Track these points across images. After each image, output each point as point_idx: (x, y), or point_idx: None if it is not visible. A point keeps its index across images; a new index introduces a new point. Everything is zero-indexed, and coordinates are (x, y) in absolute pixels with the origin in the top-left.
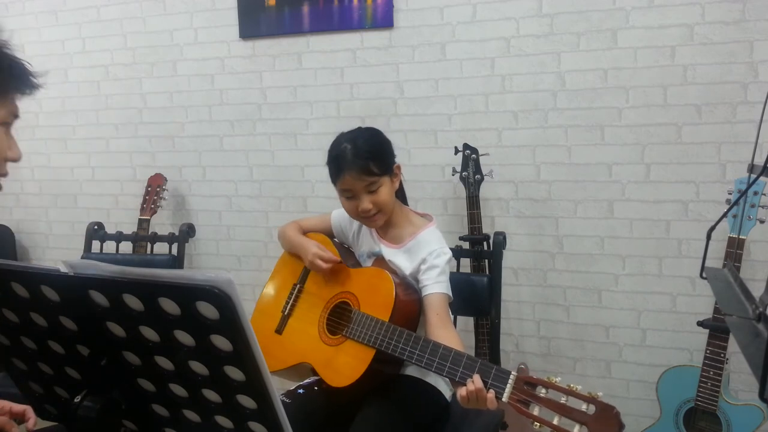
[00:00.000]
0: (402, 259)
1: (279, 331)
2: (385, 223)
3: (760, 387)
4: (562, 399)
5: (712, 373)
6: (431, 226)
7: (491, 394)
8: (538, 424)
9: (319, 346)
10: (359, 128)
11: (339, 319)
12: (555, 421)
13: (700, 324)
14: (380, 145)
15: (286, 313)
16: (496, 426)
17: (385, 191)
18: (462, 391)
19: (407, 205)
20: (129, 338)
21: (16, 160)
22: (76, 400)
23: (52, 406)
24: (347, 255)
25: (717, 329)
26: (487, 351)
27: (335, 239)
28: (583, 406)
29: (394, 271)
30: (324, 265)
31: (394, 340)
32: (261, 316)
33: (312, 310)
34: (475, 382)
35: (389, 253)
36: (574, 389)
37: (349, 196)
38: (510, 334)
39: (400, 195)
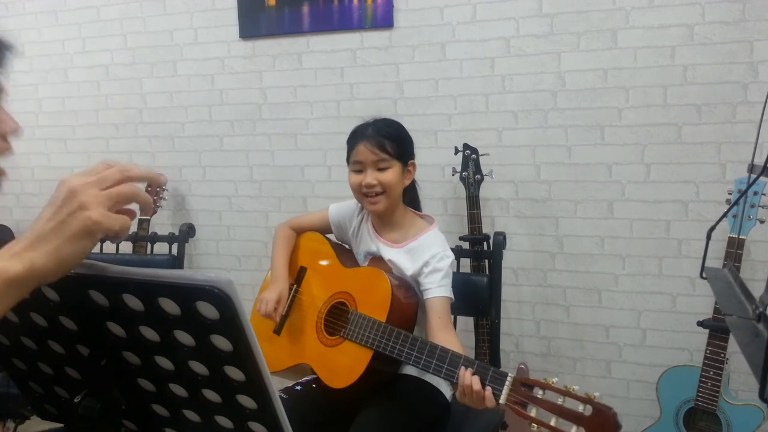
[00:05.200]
0: (403, 259)
1: (277, 332)
2: (386, 222)
3: (760, 387)
4: (559, 400)
5: (712, 373)
6: (433, 229)
7: (489, 391)
8: (536, 425)
9: (317, 347)
10: (386, 118)
11: (336, 319)
12: (552, 422)
13: (700, 324)
14: (401, 132)
15: (283, 314)
16: (496, 425)
17: (393, 175)
18: (458, 386)
19: (420, 209)
20: (129, 338)
21: (14, 132)
22: (76, 400)
23: (52, 406)
24: (345, 254)
25: (717, 329)
26: (487, 351)
27: (332, 237)
28: (580, 407)
29: (391, 271)
30: (263, 311)
31: (391, 342)
32: (259, 316)
33: (309, 310)
34: (474, 382)
35: (389, 252)
36: (571, 390)
37: (358, 169)
38: (510, 334)
39: (412, 198)
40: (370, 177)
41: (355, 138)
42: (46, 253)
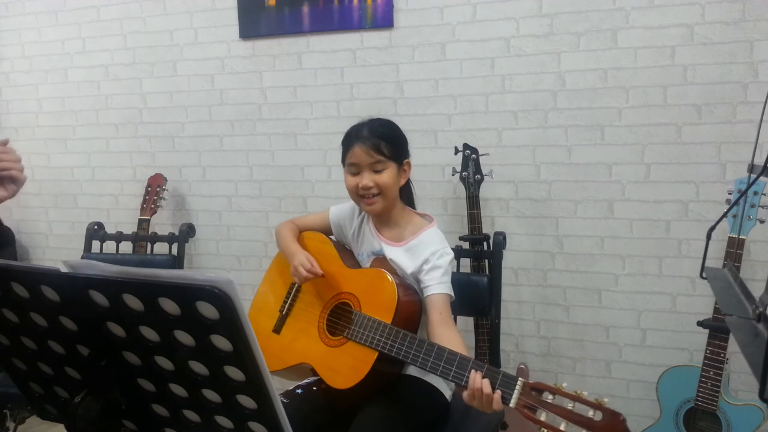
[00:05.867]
0: (403, 258)
1: (277, 330)
2: (386, 221)
3: (760, 387)
4: (569, 405)
5: (712, 373)
6: (433, 227)
7: (498, 395)
8: (546, 430)
9: (320, 347)
10: (379, 118)
11: (339, 320)
12: (562, 427)
13: (700, 324)
14: (396, 133)
15: (284, 313)
16: (496, 425)
17: (389, 176)
18: (467, 389)
19: (415, 207)
20: (129, 338)
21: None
22: (76, 400)
23: (52, 406)
24: (346, 254)
25: (717, 329)
26: (487, 351)
27: (333, 238)
28: (590, 413)
29: (394, 272)
30: (304, 274)
31: (397, 343)
32: (258, 314)
33: (311, 310)
34: (484, 386)
35: (391, 251)
36: (581, 395)
37: (354, 171)
38: (510, 334)
39: (408, 197)
40: (367, 179)
41: (349, 140)
42: None
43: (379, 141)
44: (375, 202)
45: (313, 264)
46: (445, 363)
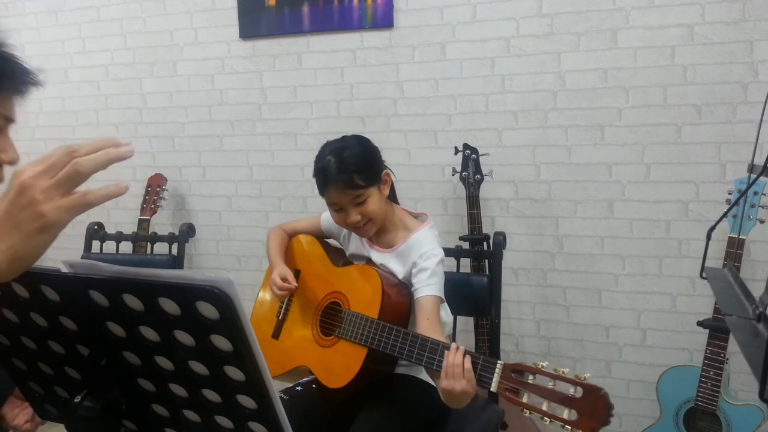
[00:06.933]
0: (394, 264)
1: (275, 336)
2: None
3: (760, 387)
4: (550, 384)
5: (712, 373)
6: (424, 227)
7: (468, 363)
8: (528, 411)
9: (314, 348)
10: (344, 137)
11: (331, 319)
12: (544, 407)
13: (700, 324)
14: (365, 156)
15: (280, 318)
16: (496, 425)
17: (374, 201)
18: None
19: (398, 203)
20: (129, 338)
21: (11, 163)
22: (76, 400)
23: (52, 406)
24: (336, 254)
25: (717, 329)
26: (487, 351)
27: (325, 240)
28: (571, 390)
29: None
30: (278, 293)
31: (384, 337)
32: (257, 321)
33: (305, 312)
34: (465, 362)
35: (379, 257)
36: (561, 373)
37: (337, 209)
38: (510, 334)
39: (392, 196)
40: (353, 216)
41: (321, 178)
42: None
43: (351, 175)
44: (368, 229)
45: (288, 278)
46: (429, 353)
